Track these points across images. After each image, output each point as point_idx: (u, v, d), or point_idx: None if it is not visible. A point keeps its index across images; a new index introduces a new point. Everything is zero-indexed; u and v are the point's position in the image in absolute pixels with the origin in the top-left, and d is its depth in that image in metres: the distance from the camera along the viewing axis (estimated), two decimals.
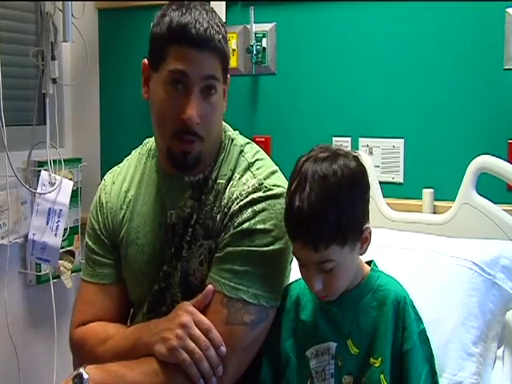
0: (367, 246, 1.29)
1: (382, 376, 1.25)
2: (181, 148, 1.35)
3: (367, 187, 1.28)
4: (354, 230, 1.24)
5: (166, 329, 1.30)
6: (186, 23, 1.30)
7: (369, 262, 1.36)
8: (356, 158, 1.27)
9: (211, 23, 1.32)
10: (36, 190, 2.33)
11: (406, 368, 1.26)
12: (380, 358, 1.26)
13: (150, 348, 1.31)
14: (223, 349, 1.29)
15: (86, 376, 1.26)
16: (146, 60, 1.40)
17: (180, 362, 1.27)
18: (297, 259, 1.30)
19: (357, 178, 1.24)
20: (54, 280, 2.45)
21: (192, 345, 1.27)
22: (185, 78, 1.31)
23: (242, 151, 1.44)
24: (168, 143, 1.36)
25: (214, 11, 1.37)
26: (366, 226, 1.27)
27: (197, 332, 1.28)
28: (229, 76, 1.42)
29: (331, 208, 1.20)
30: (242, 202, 1.35)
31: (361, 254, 1.30)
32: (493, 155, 1.87)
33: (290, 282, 1.40)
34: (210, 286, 1.33)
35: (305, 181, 1.22)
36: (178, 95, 1.32)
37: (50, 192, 2.34)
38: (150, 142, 1.54)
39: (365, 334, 1.28)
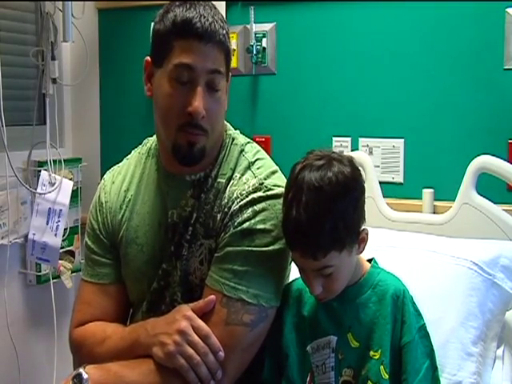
0: (364, 245, 1.31)
1: (382, 367, 1.26)
2: (186, 139, 1.34)
3: (362, 190, 1.29)
4: (351, 234, 1.25)
5: (163, 333, 1.29)
6: (191, 17, 1.31)
7: (369, 260, 1.37)
8: (351, 163, 1.28)
9: (215, 18, 1.33)
10: (36, 190, 2.33)
11: (405, 361, 1.27)
12: (380, 350, 1.27)
13: (147, 349, 1.31)
14: (222, 354, 1.28)
15: (85, 376, 1.26)
16: (148, 58, 1.41)
17: (177, 368, 1.27)
18: (296, 265, 1.31)
19: (351, 184, 1.26)
20: (54, 280, 2.45)
21: (190, 350, 1.27)
22: (190, 72, 1.31)
23: (242, 150, 1.44)
24: (173, 137, 1.35)
25: (217, 8, 1.39)
26: (363, 227, 1.29)
27: (195, 338, 1.28)
28: (230, 73, 1.42)
29: (328, 218, 1.22)
30: (242, 202, 1.35)
31: (358, 254, 1.31)
32: (493, 155, 1.87)
33: (293, 278, 1.40)
34: (212, 296, 1.32)
35: (301, 191, 1.23)
36: (183, 89, 1.32)
37: (50, 192, 2.34)
38: (150, 142, 1.54)
39: (365, 328, 1.29)
